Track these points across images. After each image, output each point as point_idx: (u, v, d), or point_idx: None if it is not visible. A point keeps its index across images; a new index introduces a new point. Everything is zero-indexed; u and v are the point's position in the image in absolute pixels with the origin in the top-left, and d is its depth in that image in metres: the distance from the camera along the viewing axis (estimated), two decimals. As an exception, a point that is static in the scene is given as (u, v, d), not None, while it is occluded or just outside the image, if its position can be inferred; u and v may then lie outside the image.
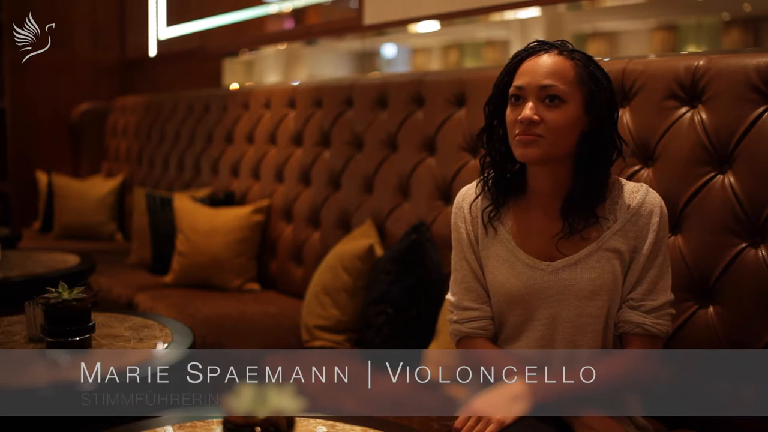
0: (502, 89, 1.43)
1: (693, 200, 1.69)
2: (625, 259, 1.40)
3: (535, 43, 1.42)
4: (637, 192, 1.42)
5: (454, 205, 1.54)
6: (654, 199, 1.41)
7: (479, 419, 1.34)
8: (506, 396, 1.36)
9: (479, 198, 1.50)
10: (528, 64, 1.39)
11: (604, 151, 1.39)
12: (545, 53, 1.39)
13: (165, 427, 1.34)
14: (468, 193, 1.53)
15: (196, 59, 4.75)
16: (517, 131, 1.37)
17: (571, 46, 1.41)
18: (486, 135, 1.48)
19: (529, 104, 1.36)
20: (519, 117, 1.36)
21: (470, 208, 1.51)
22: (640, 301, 1.40)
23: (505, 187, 1.47)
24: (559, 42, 1.42)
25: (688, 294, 1.67)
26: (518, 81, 1.39)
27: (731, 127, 1.65)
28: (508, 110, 1.41)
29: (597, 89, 1.37)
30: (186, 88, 4.66)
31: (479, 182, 1.51)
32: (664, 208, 1.42)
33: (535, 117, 1.35)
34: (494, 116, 1.46)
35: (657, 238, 1.39)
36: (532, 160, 1.39)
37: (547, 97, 1.36)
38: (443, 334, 1.97)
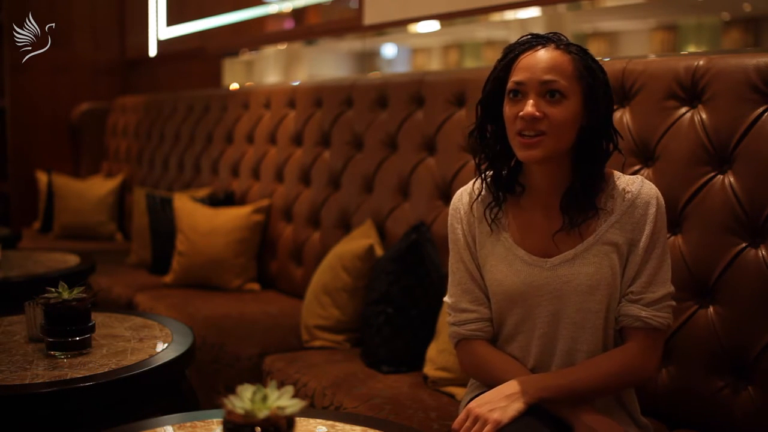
0: (498, 85, 1.41)
1: (693, 200, 1.69)
2: (622, 253, 1.39)
3: (530, 37, 1.40)
4: (633, 184, 1.41)
5: (451, 207, 1.53)
6: (650, 190, 1.40)
7: (476, 419, 1.34)
8: (503, 396, 1.36)
9: (479, 197, 1.49)
10: (526, 59, 1.37)
11: (601, 144, 1.39)
12: (542, 47, 1.37)
13: (165, 427, 1.34)
14: (464, 193, 1.52)
15: (196, 59, 4.75)
16: (518, 128, 1.36)
17: (566, 39, 1.40)
18: (479, 134, 1.46)
19: (531, 100, 1.34)
20: (521, 113, 1.35)
21: (470, 209, 1.49)
22: (640, 294, 1.39)
23: (502, 185, 1.46)
24: (553, 35, 1.40)
25: (688, 294, 1.67)
26: (517, 76, 1.37)
27: (731, 127, 1.65)
28: (507, 106, 1.39)
29: (595, 83, 1.36)
30: (186, 88, 4.66)
31: (476, 182, 1.50)
32: (661, 200, 1.40)
33: (538, 113, 1.33)
34: (488, 114, 1.44)
35: (654, 230, 1.38)
36: (536, 161, 1.38)
37: (548, 92, 1.34)
38: (443, 334, 1.97)
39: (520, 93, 1.37)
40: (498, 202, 1.46)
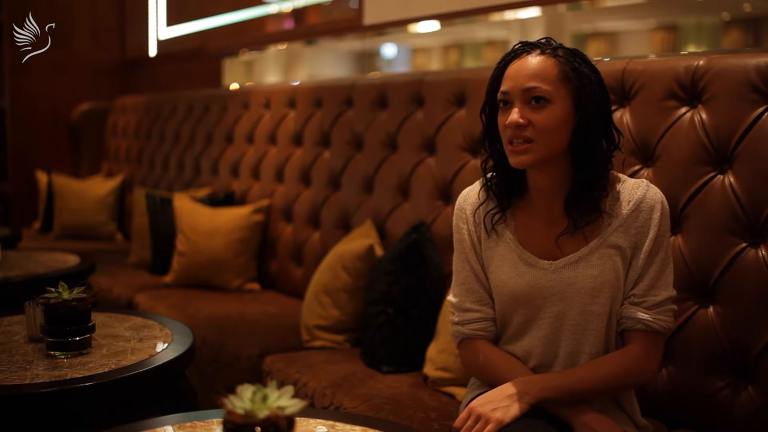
0: (492, 94, 1.44)
1: (693, 200, 1.69)
2: (626, 256, 1.40)
3: (519, 45, 1.42)
4: (638, 188, 1.41)
5: (456, 207, 1.55)
6: (655, 194, 1.41)
7: (478, 419, 1.35)
8: (505, 395, 1.36)
9: (484, 201, 1.50)
10: (512, 68, 1.40)
11: (598, 144, 1.40)
12: (528, 54, 1.39)
13: (165, 427, 1.34)
14: (470, 194, 1.53)
15: (196, 59, 4.75)
16: (508, 136, 1.38)
17: (555, 43, 1.41)
18: (488, 140, 1.48)
19: (515, 108, 1.37)
20: (506, 122, 1.38)
21: (474, 211, 1.51)
22: (642, 297, 1.40)
23: (508, 189, 1.48)
24: (543, 40, 1.42)
25: (688, 294, 1.67)
26: (504, 86, 1.40)
27: (731, 127, 1.65)
28: (498, 116, 1.42)
29: (582, 84, 1.37)
30: (186, 88, 4.66)
31: (482, 185, 1.52)
32: (665, 204, 1.41)
33: (521, 120, 1.36)
34: (491, 120, 1.47)
35: (658, 234, 1.39)
36: (528, 167, 1.40)
37: (532, 99, 1.36)
38: (443, 334, 1.97)
39: (507, 102, 1.39)
40: (501, 208, 1.48)
